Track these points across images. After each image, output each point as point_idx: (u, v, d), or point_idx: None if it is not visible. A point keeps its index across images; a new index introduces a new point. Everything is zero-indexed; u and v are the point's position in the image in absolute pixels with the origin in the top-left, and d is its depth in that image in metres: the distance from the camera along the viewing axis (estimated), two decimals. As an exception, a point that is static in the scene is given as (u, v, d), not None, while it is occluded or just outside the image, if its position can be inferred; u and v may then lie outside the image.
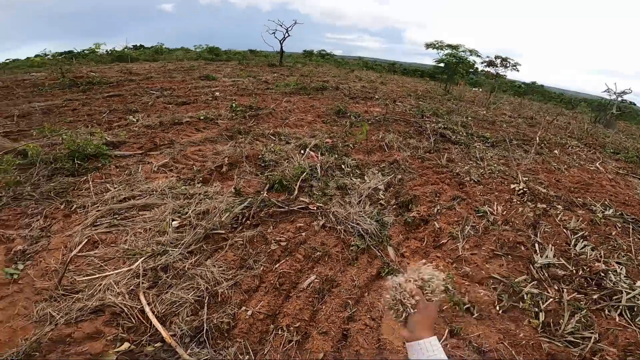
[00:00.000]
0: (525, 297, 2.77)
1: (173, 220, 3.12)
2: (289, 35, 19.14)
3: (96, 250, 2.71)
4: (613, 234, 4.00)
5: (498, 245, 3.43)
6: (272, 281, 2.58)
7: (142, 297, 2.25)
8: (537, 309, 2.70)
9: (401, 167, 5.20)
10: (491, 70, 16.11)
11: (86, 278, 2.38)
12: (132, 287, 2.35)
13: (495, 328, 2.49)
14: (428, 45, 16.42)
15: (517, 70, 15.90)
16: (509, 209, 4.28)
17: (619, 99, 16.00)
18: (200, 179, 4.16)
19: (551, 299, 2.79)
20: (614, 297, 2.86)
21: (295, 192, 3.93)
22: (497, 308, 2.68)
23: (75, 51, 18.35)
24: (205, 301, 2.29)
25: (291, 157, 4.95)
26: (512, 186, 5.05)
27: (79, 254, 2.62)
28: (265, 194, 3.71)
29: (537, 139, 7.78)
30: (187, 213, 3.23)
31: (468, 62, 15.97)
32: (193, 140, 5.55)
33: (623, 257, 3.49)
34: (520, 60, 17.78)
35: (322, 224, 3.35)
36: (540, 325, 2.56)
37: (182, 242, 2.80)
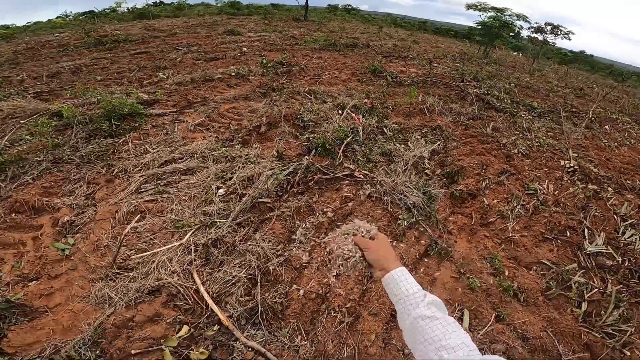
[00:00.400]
0: (573, 287, 2.65)
1: (218, 188, 3.01)
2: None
3: (144, 221, 2.61)
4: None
5: (548, 229, 3.25)
6: (322, 257, 2.50)
7: (196, 277, 2.20)
8: (580, 299, 2.60)
9: (444, 133, 4.92)
10: (538, 36, 14.61)
11: (139, 256, 2.32)
12: (185, 265, 2.29)
13: (540, 315, 2.42)
14: (469, 6, 14.88)
15: (569, 39, 14.36)
16: (559, 188, 4.03)
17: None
18: (240, 139, 4.00)
19: (596, 289, 2.67)
20: None
21: (340, 158, 3.76)
22: (544, 296, 2.59)
23: (96, 10, 17.75)
24: (258, 279, 2.24)
25: (330, 117, 4.72)
26: (562, 163, 4.72)
27: (131, 226, 2.58)
28: (309, 159, 3.55)
29: (590, 113, 7.18)
30: (231, 179, 3.11)
31: (513, 27, 14.51)
32: (226, 97, 5.33)
33: None
34: (574, 28, 15.95)
35: (369, 193, 3.21)
36: (582, 315, 2.47)
37: (230, 212, 2.71)
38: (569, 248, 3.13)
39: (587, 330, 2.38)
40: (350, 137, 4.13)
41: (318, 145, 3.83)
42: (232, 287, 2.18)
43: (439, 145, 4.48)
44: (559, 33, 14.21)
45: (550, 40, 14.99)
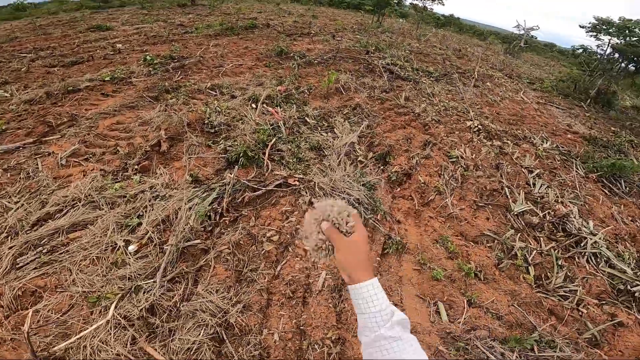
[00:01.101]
0: (518, 254, 2.93)
1: (127, 242, 2.32)
2: (198, -31, 15.79)
3: (44, 302, 1.90)
4: (556, 167, 4.45)
5: (478, 195, 3.54)
6: (282, 290, 2.20)
7: (151, 350, 1.69)
8: (527, 264, 2.89)
9: (365, 111, 4.90)
10: (419, 3, 15.88)
11: (64, 344, 1.67)
12: (128, 344, 1.74)
13: (502, 290, 2.60)
14: None
15: (443, 4, 15.94)
16: (473, 150, 4.41)
17: (529, 34, 17.47)
18: (136, 167, 3.13)
19: (534, 251, 3.01)
20: (581, 244, 3.21)
21: (267, 165, 3.33)
22: (498, 269, 2.80)
23: None
24: (224, 337, 1.85)
25: (244, 115, 4.19)
26: (468, 123, 5.20)
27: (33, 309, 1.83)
28: (233, 176, 3.03)
29: (476, 73, 8.09)
30: (140, 225, 2.44)
31: None
32: (104, 110, 4.14)
33: (571, 194, 3.93)
34: None
35: (309, 200, 2.91)
36: (533, 280, 2.76)
37: (155, 270, 2.14)
38: (499, 211, 3.44)
39: (544, 295, 2.64)
40: (274, 137, 3.73)
41: (239, 155, 3.31)
42: (198, 353, 1.75)
43: (363, 126, 4.43)
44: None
45: (428, 7, 16.40)
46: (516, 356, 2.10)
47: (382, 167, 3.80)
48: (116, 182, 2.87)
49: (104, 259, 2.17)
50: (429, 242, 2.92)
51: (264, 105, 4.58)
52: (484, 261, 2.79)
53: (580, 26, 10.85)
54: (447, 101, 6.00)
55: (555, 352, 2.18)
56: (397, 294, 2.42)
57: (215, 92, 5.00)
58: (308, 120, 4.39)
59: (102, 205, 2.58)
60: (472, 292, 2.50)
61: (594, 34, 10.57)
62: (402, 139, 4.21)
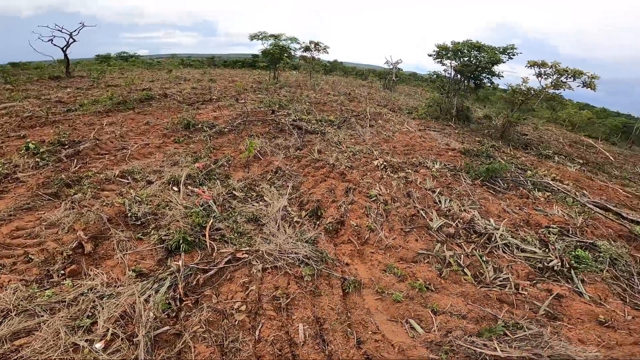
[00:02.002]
0: (452, 262, 3.55)
1: (89, 342, 2.19)
2: (74, 41, 14.97)
3: None
4: (450, 183, 5.51)
5: (402, 223, 4.16)
6: (269, 351, 2.29)
7: None
8: (461, 267, 3.51)
9: (286, 173, 5.29)
10: (307, 54, 17.86)
11: None
12: None
13: (453, 294, 3.10)
14: (252, 37, 16.53)
15: (327, 53, 18.25)
16: (386, 185, 5.15)
17: (396, 67, 21.05)
18: (62, 272, 2.91)
19: (462, 255, 3.68)
20: (492, 239, 4.04)
21: (212, 246, 3.37)
22: (442, 278, 3.34)
23: None
24: None
25: (169, 201, 4.14)
26: (375, 163, 6.04)
27: None
28: (179, 264, 3.01)
29: (368, 114, 9.41)
30: (95, 323, 2.33)
31: (289, 49, 17.16)
32: None
33: (469, 201, 4.91)
34: (326, 40, 20.31)
35: (261, 268, 3.09)
36: (472, 279, 3.37)
37: None
38: (423, 230, 4.09)
39: (487, 289, 3.22)
40: (209, 218, 3.80)
41: (178, 243, 3.30)
42: None
43: (289, 189, 4.79)
44: (320, 49, 17.73)
45: (316, 57, 18.48)
46: (496, 343, 2.49)
47: (317, 222, 4.16)
48: (46, 290, 2.68)
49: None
50: (379, 273, 3.34)
51: (187, 186, 4.57)
52: (428, 275, 3.30)
53: (429, 55, 13.01)
54: (352, 146, 6.87)
55: (524, 331, 2.64)
56: (372, 323, 2.72)
57: (128, 179, 4.70)
58: (236, 193, 4.55)
59: (40, 313, 2.42)
60: (431, 303, 2.94)
61: (439, 59, 12.77)
62: (326, 192, 4.68)
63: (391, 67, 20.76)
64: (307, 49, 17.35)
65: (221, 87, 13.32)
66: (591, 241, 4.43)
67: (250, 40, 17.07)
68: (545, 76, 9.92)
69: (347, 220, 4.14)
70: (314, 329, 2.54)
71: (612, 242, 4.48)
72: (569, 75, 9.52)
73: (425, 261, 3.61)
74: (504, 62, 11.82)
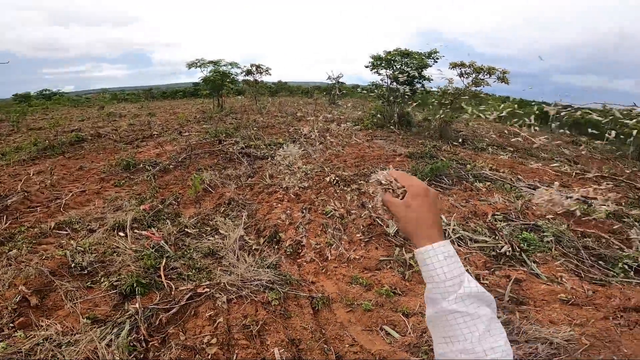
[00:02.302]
0: (412, 263, 3.68)
1: None
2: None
3: None
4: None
5: (361, 233, 4.24)
6: None
7: None
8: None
9: (239, 203, 5.17)
10: (250, 78, 17.84)
11: None
12: None
13: (420, 294, 3.19)
14: (190, 65, 16.16)
15: (270, 74, 18.41)
16: (341, 200, 5.24)
17: (339, 81, 21.88)
18: (11, 325, 2.67)
19: None
20: (446, 234, 4.24)
21: (170, 285, 3.19)
22: (407, 281, 3.44)
23: None
24: None
25: (116, 247, 3.84)
26: (327, 179, 6.14)
27: None
28: (136, 307, 2.80)
29: (316, 131, 9.60)
30: None
31: (230, 74, 17.05)
32: None
33: None
34: (268, 62, 20.56)
35: (226, 299, 2.97)
36: None
37: None
38: (382, 239, 4.19)
39: None
40: (162, 258, 3.58)
41: (132, 286, 3.08)
42: None
43: (245, 218, 4.68)
44: (262, 71, 17.84)
45: (259, 79, 18.54)
46: None
47: (276, 246, 4.10)
48: (-1, 343, 2.42)
49: None
50: (345, 286, 3.36)
51: (134, 230, 4.29)
52: (393, 280, 3.38)
53: (365, 66, 13.77)
54: (304, 166, 6.93)
55: None
56: (348, 335, 2.73)
57: (67, 230, 4.36)
58: (189, 230, 4.34)
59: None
60: (401, 307, 3.00)
61: (374, 70, 13.46)
62: (282, 215, 4.65)
63: (334, 81, 21.56)
64: (249, 72, 17.36)
65: (162, 120, 12.82)
66: (533, 222, 4.85)
67: (188, 69, 16.76)
68: (466, 75, 10.96)
69: (307, 240, 4.14)
70: (290, 351, 2.51)
71: (552, 221, 4.93)
72: (485, 73, 10.62)
73: (388, 267, 3.71)
74: (430, 66, 12.83)
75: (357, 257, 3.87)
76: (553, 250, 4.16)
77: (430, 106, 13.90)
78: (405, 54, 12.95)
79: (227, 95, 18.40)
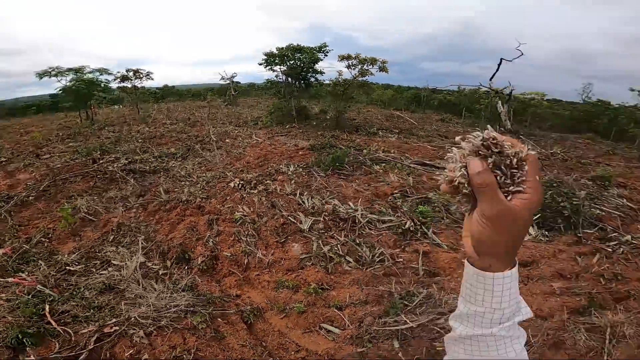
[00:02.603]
0: (331, 255, 3.75)
1: None
2: None
3: None
4: (307, 181, 5.86)
5: (276, 235, 4.14)
6: None
7: None
8: (342, 256, 3.76)
9: (132, 227, 4.49)
10: (127, 84, 15.46)
11: None
12: None
13: (347, 284, 3.31)
14: (42, 75, 13.09)
15: (152, 79, 16.24)
16: (249, 204, 5.04)
17: (232, 81, 20.97)
18: None
19: (338, 245, 3.95)
20: (355, 221, 4.41)
21: (68, 331, 2.65)
22: (331, 274, 3.49)
23: None
24: None
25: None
26: (231, 185, 5.83)
27: None
28: (33, 357, 2.34)
29: (212, 136, 9.01)
30: None
31: (100, 82, 14.56)
32: None
33: (327, 193, 5.32)
34: (150, 67, 18.19)
35: (143, 333, 2.56)
36: (355, 263, 3.65)
37: None
38: (298, 235, 4.19)
39: (372, 269, 3.51)
40: (44, 304, 2.91)
41: (18, 337, 2.53)
42: None
43: (141, 242, 4.08)
44: (142, 76, 15.65)
45: (138, 85, 16.23)
46: (404, 316, 2.77)
47: (187, 266, 3.72)
48: None
49: None
50: (272, 293, 3.28)
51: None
52: (318, 276, 3.41)
53: (259, 64, 13.51)
54: (204, 174, 6.44)
55: (417, 297, 3.00)
56: (290, 342, 2.67)
57: None
58: (72, 268, 3.58)
59: None
60: (333, 301, 3.04)
61: (268, 67, 13.33)
62: (187, 232, 4.22)
63: (228, 82, 20.60)
64: (124, 78, 15.06)
65: (10, 144, 10.21)
66: (425, 195, 5.51)
67: (39, 79, 13.68)
68: (353, 67, 11.85)
69: (220, 253, 3.87)
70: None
71: (438, 191, 5.69)
72: (369, 63, 11.66)
73: (310, 264, 3.72)
74: (322, 60, 13.39)
75: (277, 260, 3.79)
76: (445, 219, 4.80)
77: (326, 98, 14.58)
78: (298, 49, 13.19)
79: (99, 106, 15.73)
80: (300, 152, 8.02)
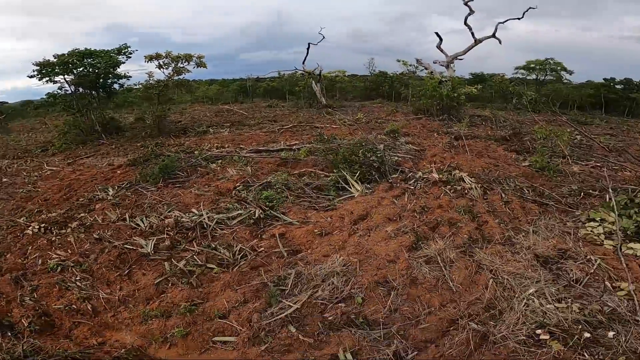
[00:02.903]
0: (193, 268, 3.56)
1: None
2: None
3: None
4: (135, 201, 5.12)
5: (116, 268, 3.57)
6: None
7: None
8: (204, 266, 3.59)
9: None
10: None
11: None
12: None
13: (219, 292, 3.19)
14: None
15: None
16: (65, 248, 3.98)
17: None
18: None
19: (196, 254, 3.77)
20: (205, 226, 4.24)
21: None
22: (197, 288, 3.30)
23: None
24: None
25: None
26: (29, 231, 4.44)
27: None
28: None
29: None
30: None
31: None
32: None
33: (163, 207, 4.76)
34: None
35: None
36: (220, 268, 3.54)
37: None
38: (144, 261, 3.76)
39: (238, 267, 3.52)
40: None
41: None
42: None
43: None
44: None
45: None
46: (288, 302, 2.88)
47: (12, 333, 2.68)
48: None
49: None
50: (141, 327, 2.84)
51: None
52: (184, 294, 3.14)
53: (29, 76, 10.52)
54: None
55: (290, 277, 3.17)
56: None
57: None
58: None
59: None
60: (212, 313, 2.88)
61: (46, 78, 10.49)
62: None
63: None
64: None
65: None
66: (265, 181, 5.68)
67: None
68: (166, 66, 10.81)
69: (49, 308, 3.04)
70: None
71: (276, 173, 5.99)
72: (183, 60, 10.88)
73: (171, 284, 3.33)
74: (124, 63, 11.46)
75: (128, 295, 3.22)
76: (289, 197, 5.09)
77: (140, 104, 12.69)
78: (87, 53, 10.74)
79: None
80: (118, 171, 6.83)
